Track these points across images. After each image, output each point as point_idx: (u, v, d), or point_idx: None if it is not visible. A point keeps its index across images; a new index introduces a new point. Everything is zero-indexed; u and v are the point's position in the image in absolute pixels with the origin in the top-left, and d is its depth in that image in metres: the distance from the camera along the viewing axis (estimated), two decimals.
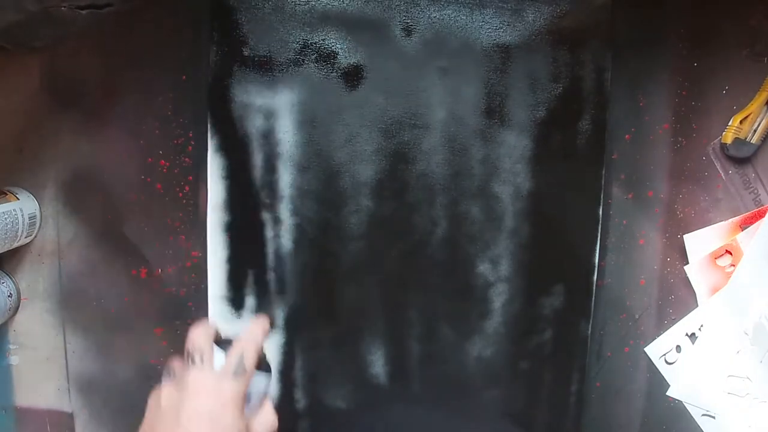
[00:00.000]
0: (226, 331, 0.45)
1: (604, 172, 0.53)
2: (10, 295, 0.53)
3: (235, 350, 0.41)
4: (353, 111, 0.52)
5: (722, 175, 0.54)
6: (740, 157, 0.53)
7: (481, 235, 0.53)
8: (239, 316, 0.54)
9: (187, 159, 0.53)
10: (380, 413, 0.56)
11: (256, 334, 0.43)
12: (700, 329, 0.55)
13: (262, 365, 0.44)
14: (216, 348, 0.42)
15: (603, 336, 0.57)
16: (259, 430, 0.42)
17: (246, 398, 0.41)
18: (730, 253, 0.54)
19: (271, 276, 0.53)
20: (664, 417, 0.56)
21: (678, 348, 0.55)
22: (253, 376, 0.42)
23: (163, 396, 0.39)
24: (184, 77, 0.52)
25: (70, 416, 0.56)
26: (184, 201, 0.54)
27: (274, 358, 0.54)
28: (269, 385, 0.45)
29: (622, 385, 0.57)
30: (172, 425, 0.38)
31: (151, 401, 0.40)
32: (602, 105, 0.53)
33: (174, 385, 0.40)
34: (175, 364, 0.42)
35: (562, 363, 0.56)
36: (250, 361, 0.41)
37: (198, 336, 0.41)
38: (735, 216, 0.54)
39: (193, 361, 0.40)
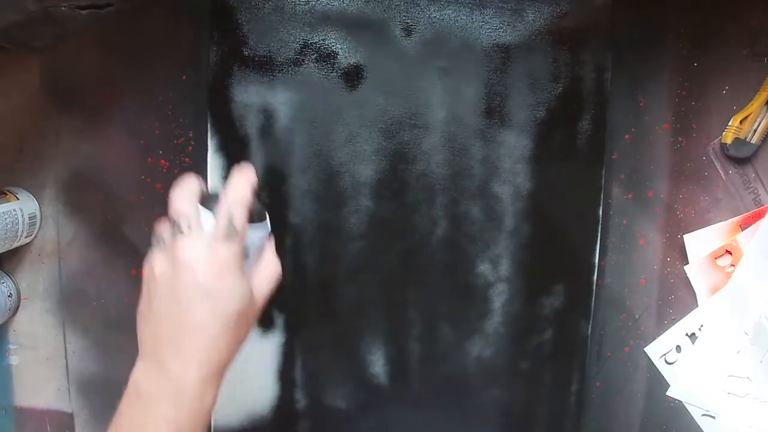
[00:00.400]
0: (213, 187, 0.41)
1: (604, 172, 0.54)
2: (10, 295, 0.53)
3: (222, 211, 0.37)
4: (353, 111, 0.52)
5: (722, 175, 0.54)
6: (740, 157, 0.53)
7: (481, 235, 0.53)
8: None
9: (187, 159, 0.53)
10: (380, 413, 0.56)
11: (242, 188, 0.38)
12: (700, 329, 0.55)
13: (256, 216, 0.40)
14: (203, 210, 0.38)
15: (603, 336, 0.57)
16: (262, 284, 0.39)
17: (244, 254, 0.38)
18: (730, 253, 0.54)
19: None
20: (664, 417, 0.56)
21: (678, 348, 0.55)
22: (248, 231, 0.38)
23: (156, 269, 0.36)
24: (184, 77, 0.52)
25: (70, 416, 0.56)
26: None
27: (274, 358, 0.54)
28: (267, 233, 0.41)
29: (622, 385, 0.57)
30: (169, 301, 0.35)
31: (145, 274, 0.37)
32: (602, 105, 0.53)
33: (165, 256, 0.36)
34: (165, 230, 0.37)
35: (562, 363, 0.56)
36: (240, 219, 0.37)
37: (181, 201, 0.37)
38: (735, 216, 0.54)
39: (180, 230, 0.36)
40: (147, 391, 0.35)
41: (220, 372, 0.36)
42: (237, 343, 0.37)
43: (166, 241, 0.37)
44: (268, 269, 0.40)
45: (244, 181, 0.38)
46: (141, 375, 0.36)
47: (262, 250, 0.40)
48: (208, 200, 0.39)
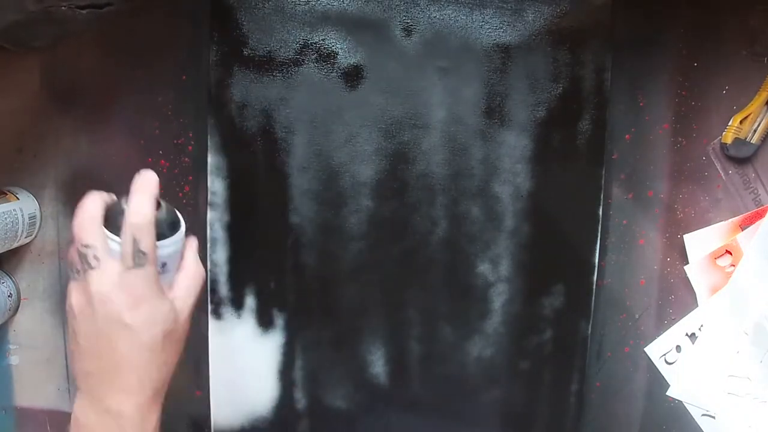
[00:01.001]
0: (116, 197, 0.38)
1: (604, 172, 0.53)
2: (10, 295, 0.53)
3: (126, 238, 0.35)
4: (353, 111, 0.52)
5: (722, 175, 0.54)
6: (740, 157, 0.53)
7: (481, 235, 0.53)
8: (239, 315, 0.54)
9: (186, 159, 0.53)
10: (380, 413, 0.56)
11: (142, 208, 0.36)
12: (700, 329, 0.55)
13: (166, 226, 0.37)
14: (108, 235, 0.36)
15: (603, 336, 0.57)
16: (186, 294, 0.38)
17: (158, 273, 0.36)
18: (730, 253, 0.54)
19: (271, 276, 0.53)
20: (664, 417, 0.56)
21: (678, 348, 0.55)
22: (160, 246, 0.37)
23: (74, 305, 0.35)
24: (184, 77, 0.52)
25: (70, 416, 0.56)
26: (184, 201, 0.54)
27: (274, 358, 0.54)
28: (182, 240, 0.39)
29: (622, 385, 0.57)
30: (92, 337, 0.35)
31: (67, 309, 0.36)
32: (602, 105, 0.53)
33: (80, 290, 0.35)
34: (75, 259, 0.36)
35: (562, 363, 0.56)
36: (147, 241, 0.35)
37: (84, 231, 0.35)
38: (735, 216, 0.54)
39: (88, 264, 0.35)
40: (88, 425, 0.36)
41: (157, 395, 0.36)
42: (169, 363, 0.37)
43: (78, 273, 0.36)
44: (189, 277, 0.39)
45: (143, 199, 0.36)
46: (80, 411, 0.36)
47: (181, 257, 0.39)
48: (114, 215, 0.37)
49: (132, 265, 0.35)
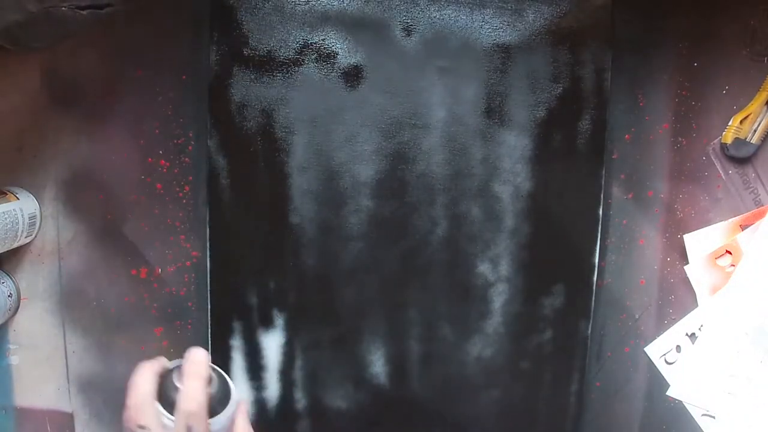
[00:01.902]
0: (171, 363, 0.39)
1: (604, 172, 0.54)
2: (10, 295, 0.53)
3: (180, 425, 0.36)
4: (353, 111, 0.52)
5: (722, 175, 0.54)
6: (740, 157, 0.53)
7: (481, 235, 0.53)
8: (239, 315, 0.54)
9: (186, 159, 0.53)
10: (380, 413, 0.55)
11: (196, 394, 0.37)
12: (700, 329, 0.55)
13: (218, 402, 0.38)
14: (163, 413, 0.36)
15: (603, 336, 0.57)
16: None
17: None
18: (730, 253, 0.54)
19: (271, 276, 0.53)
20: (664, 417, 0.56)
21: (678, 348, 0.55)
22: (213, 424, 0.37)
23: None
24: (184, 77, 0.52)
25: (70, 416, 0.56)
26: (184, 201, 0.54)
27: (274, 358, 0.54)
28: (234, 409, 0.40)
29: (622, 385, 0.57)
30: None
31: None
32: (602, 105, 0.53)
33: None
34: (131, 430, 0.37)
35: (562, 363, 0.56)
36: (201, 427, 0.36)
37: (138, 411, 0.36)
38: (735, 216, 0.54)
39: None
40: None
41: None
42: None
43: None
44: None
45: (196, 385, 0.37)
46: None
47: (233, 425, 0.39)
48: (166, 389, 0.37)
49: None
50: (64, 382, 0.55)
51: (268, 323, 0.54)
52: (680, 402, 0.56)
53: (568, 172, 0.53)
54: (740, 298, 0.53)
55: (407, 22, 0.51)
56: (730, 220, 0.54)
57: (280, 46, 0.51)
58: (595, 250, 0.54)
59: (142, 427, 0.36)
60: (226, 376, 0.39)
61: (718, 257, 0.54)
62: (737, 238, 0.53)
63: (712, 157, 0.54)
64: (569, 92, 0.52)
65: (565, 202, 0.54)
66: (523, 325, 0.55)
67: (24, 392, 0.56)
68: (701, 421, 0.55)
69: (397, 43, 0.51)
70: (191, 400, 0.36)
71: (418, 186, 0.53)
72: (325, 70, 0.51)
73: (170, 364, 0.39)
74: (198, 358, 0.38)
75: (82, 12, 0.41)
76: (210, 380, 0.38)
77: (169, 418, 0.36)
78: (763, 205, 0.53)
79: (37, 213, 0.53)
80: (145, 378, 0.38)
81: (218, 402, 0.38)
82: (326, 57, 0.51)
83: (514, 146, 0.52)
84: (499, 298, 0.54)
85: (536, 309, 0.55)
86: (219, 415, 0.38)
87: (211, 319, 0.53)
